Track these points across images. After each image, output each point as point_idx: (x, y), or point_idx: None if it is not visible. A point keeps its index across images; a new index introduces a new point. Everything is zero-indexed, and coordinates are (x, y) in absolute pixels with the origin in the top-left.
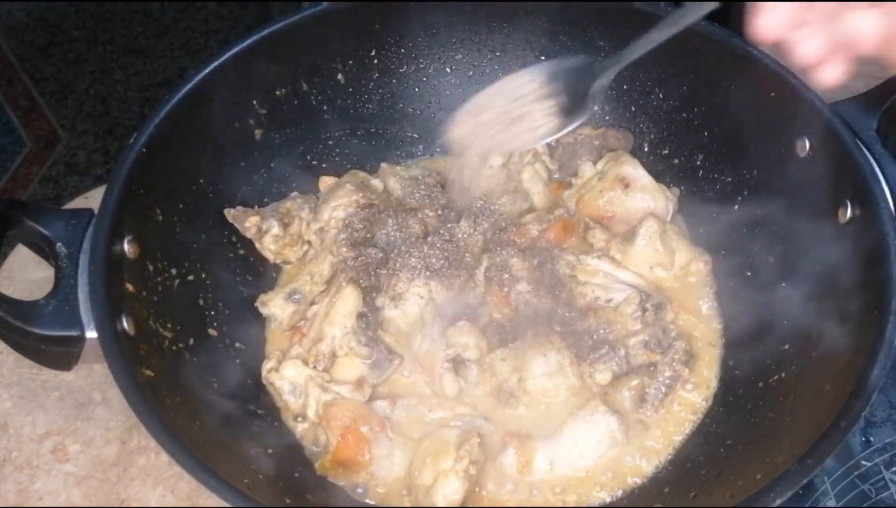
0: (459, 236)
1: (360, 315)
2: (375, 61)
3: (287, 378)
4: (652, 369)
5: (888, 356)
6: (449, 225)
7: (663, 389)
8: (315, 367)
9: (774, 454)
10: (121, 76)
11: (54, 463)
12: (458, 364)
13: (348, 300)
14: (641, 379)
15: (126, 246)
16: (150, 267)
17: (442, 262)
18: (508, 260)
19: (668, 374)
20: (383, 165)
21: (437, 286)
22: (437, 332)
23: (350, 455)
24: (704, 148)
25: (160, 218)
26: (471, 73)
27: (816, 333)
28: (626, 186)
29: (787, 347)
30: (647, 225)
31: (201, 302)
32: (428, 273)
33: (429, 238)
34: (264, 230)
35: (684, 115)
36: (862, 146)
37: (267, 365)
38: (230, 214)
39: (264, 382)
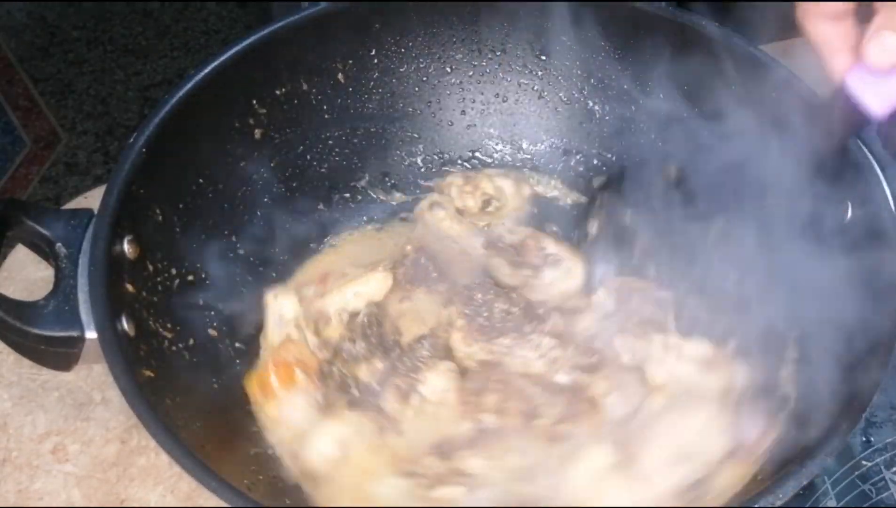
0: None
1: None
2: (375, 61)
3: (280, 306)
4: None
5: (889, 356)
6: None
7: None
8: (307, 315)
9: (774, 453)
10: (121, 76)
11: (54, 463)
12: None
13: (372, 282)
14: None
15: (126, 246)
16: (150, 267)
17: None
18: None
19: None
20: None
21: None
22: None
23: (270, 383)
24: (705, 147)
25: (160, 218)
26: (471, 72)
27: (817, 332)
28: None
29: (787, 347)
30: None
31: (201, 302)
32: None
33: None
34: None
35: (685, 114)
36: (862, 146)
37: (274, 290)
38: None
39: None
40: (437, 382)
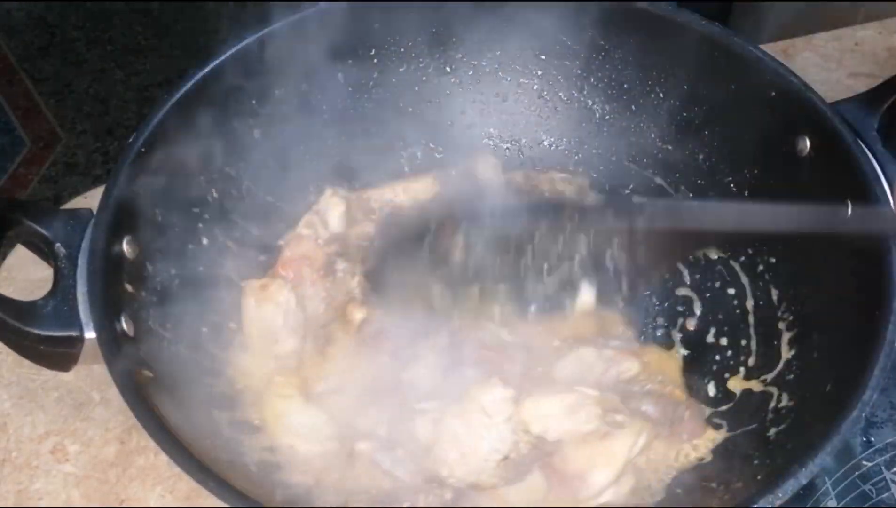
0: None
1: None
2: (375, 61)
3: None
4: None
5: (888, 357)
6: None
7: None
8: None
9: (774, 454)
10: (121, 76)
11: (54, 463)
12: None
13: (421, 182)
14: None
15: (125, 246)
16: (150, 267)
17: None
18: None
19: None
20: None
21: None
22: None
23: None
24: (705, 147)
25: (159, 218)
26: (470, 72)
27: (817, 332)
28: None
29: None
30: None
31: (202, 302)
32: None
33: None
34: None
35: (684, 114)
36: (862, 146)
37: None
38: None
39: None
40: None
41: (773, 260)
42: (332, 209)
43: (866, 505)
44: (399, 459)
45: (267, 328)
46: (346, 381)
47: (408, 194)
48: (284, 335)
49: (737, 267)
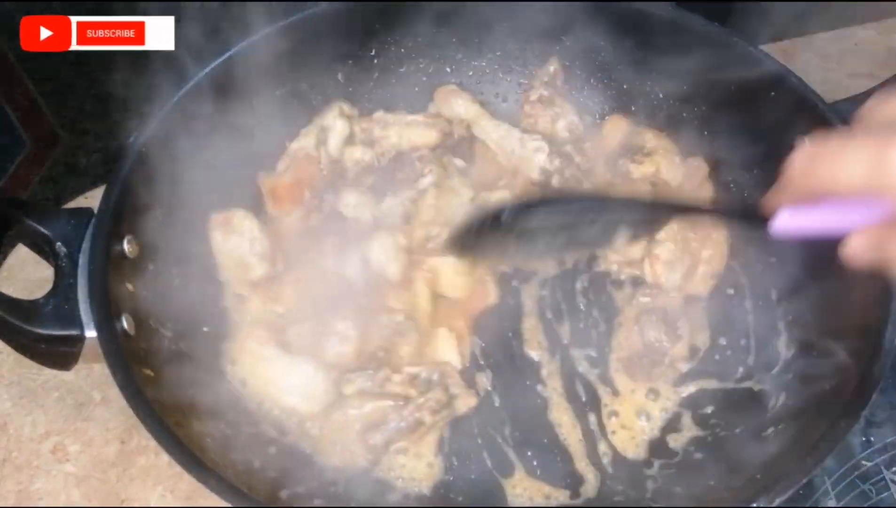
0: None
1: None
2: (375, 61)
3: (332, 121)
4: None
5: (888, 357)
6: None
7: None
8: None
9: (774, 453)
10: (121, 76)
11: (54, 463)
12: None
13: (423, 129)
14: None
15: (126, 246)
16: (151, 266)
17: None
18: None
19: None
20: None
21: None
22: None
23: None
24: (705, 148)
25: (160, 217)
26: (470, 73)
27: (816, 333)
28: None
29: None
30: None
31: (203, 302)
32: None
33: None
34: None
35: (684, 114)
36: None
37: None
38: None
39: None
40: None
41: (772, 260)
42: (336, 131)
43: (866, 505)
44: (385, 377)
45: (236, 257)
46: (303, 306)
47: (407, 134)
48: (254, 261)
49: (736, 267)
